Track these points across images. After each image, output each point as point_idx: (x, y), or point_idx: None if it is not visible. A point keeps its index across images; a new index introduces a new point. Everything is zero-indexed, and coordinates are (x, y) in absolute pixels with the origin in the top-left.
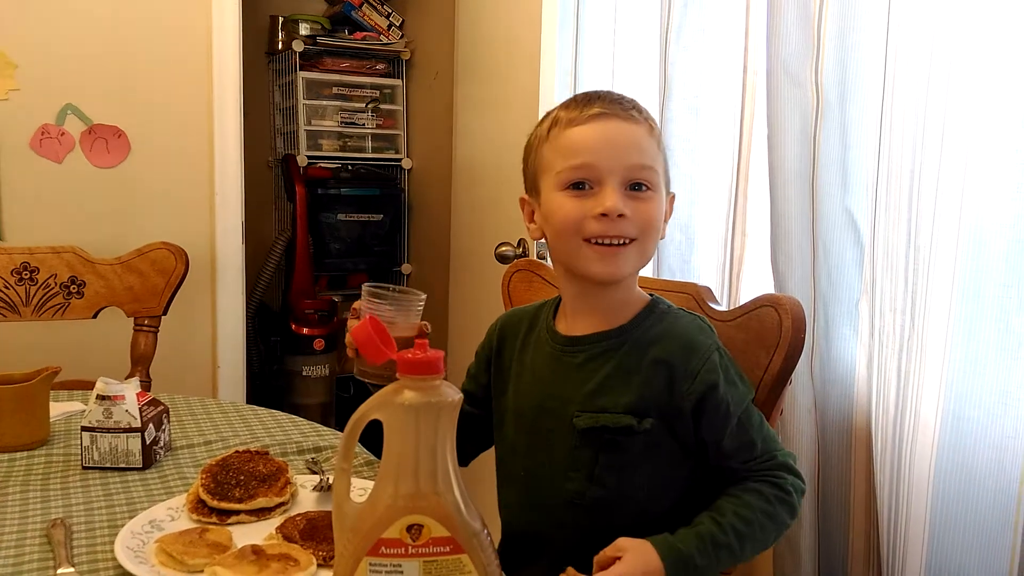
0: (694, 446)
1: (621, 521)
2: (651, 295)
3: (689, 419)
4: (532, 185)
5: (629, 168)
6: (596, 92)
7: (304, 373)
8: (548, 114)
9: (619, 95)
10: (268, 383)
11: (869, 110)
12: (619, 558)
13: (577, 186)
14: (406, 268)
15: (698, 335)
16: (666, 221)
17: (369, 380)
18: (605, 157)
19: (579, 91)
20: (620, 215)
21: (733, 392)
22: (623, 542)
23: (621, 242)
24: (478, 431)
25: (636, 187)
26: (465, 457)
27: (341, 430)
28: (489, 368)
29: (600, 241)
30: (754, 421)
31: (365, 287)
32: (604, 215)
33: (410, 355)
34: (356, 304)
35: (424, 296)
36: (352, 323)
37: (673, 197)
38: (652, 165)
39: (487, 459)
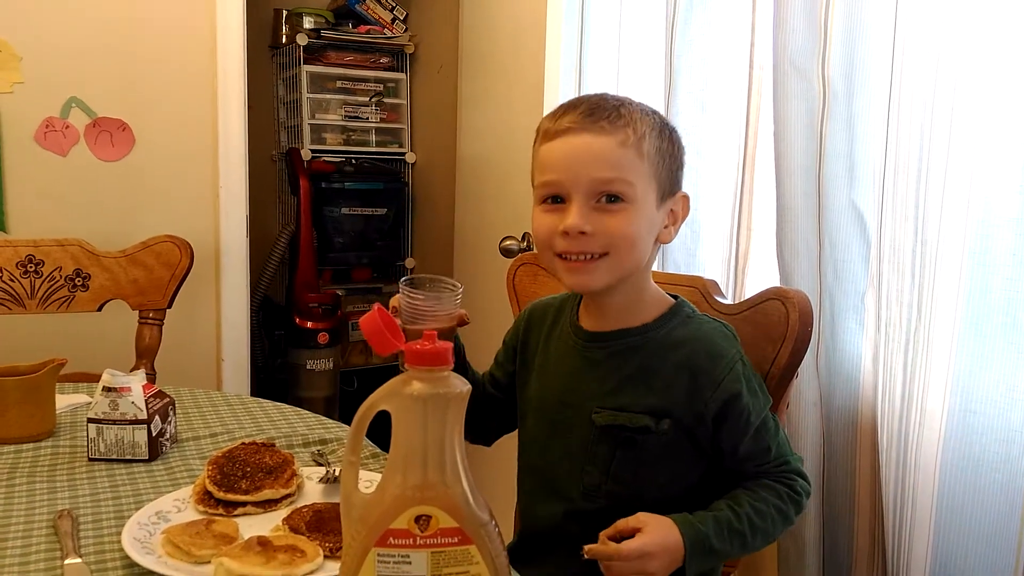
0: (710, 450)
1: (633, 511)
2: (675, 297)
3: (709, 425)
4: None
5: (593, 183)
6: (578, 100)
7: (308, 367)
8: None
9: (599, 102)
10: (272, 376)
11: (876, 103)
12: (639, 530)
13: (554, 199)
14: (410, 262)
15: (723, 342)
16: (675, 224)
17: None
18: (568, 174)
19: (584, 86)
20: (582, 232)
21: (754, 402)
22: (645, 516)
23: (587, 257)
24: (502, 413)
25: (611, 199)
26: (489, 435)
27: (345, 423)
28: (515, 357)
29: (567, 256)
30: (770, 429)
31: (402, 282)
32: (567, 232)
33: (418, 346)
34: (394, 299)
35: (461, 287)
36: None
37: (686, 197)
38: (622, 177)
39: (499, 449)
